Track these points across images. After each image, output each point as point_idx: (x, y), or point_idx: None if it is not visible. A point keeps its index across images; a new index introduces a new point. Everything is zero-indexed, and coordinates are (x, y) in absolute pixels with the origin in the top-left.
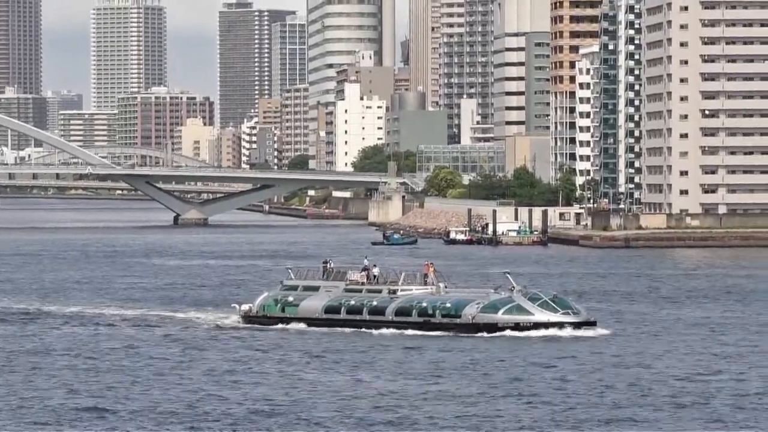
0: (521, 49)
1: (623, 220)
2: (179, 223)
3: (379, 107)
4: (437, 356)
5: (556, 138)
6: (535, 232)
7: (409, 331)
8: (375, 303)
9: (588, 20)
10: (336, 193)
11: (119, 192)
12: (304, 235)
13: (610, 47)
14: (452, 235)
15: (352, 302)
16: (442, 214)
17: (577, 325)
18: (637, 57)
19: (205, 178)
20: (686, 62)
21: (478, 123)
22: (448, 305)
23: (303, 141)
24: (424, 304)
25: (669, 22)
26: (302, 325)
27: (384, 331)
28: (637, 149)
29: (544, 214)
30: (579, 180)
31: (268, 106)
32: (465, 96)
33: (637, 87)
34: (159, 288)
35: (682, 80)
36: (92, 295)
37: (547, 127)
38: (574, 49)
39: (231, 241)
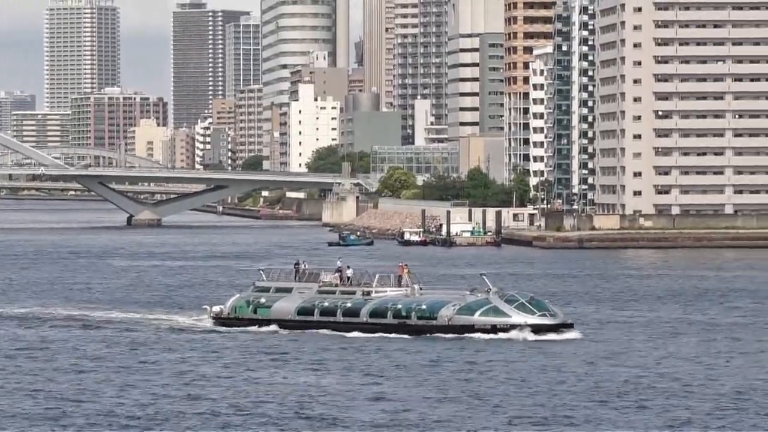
0: (475, 50)
1: (577, 221)
2: (132, 224)
3: (333, 108)
4: (388, 357)
5: (509, 139)
6: (489, 233)
7: (384, 333)
8: (349, 304)
9: (542, 21)
10: (290, 194)
11: (72, 193)
12: (258, 236)
13: (564, 48)
14: (406, 236)
15: (326, 304)
16: (396, 215)
17: (554, 328)
18: (590, 58)
19: (159, 179)
20: (639, 63)
21: (432, 124)
22: (424, 307)
23: (257, 142)
24: (399, 306)
25: (622, 23)
26: (275, 327)
27: (358, 333)
28: (590, 150)
29: (498, 215)
30: (533, 181)
31: (222, 106)
32: (419, 97)
33: (590, 88)
34: (116, 289)
35: (635, 81)
36: (42, 296)
37: (501, 128)
38: (528, 50)
39: (185, 241)
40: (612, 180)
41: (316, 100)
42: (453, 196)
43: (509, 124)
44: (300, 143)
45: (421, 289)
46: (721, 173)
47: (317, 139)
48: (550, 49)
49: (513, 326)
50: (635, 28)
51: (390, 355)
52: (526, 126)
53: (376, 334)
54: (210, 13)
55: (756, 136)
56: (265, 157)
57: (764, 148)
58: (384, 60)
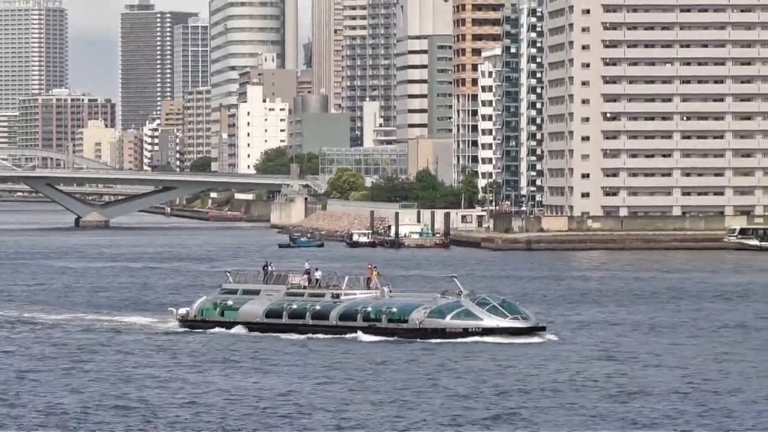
0: (424, 51)
1: (525, 223)
2: (80, 225)
3: (281, 109)
4: (335, 359)
5: (458, 141)
6: (438, 235)
7: (354, 336)
8: (318, 307)
9: (490, 23)
10: (238, 196)
11: (20, 194)
12: (207, 238)
13: (512, 50)
14: (355, 238)
15: (294, 306)
16: (345, 217)
17: (527, 331)
18: (539, 60)
19: (107, 180)
20: (588, 65)
21: (380, 125)
22: (395, 310)
23: (205, 143)
24: (369, 309)
25: (571, 26)
26: (242, 330)
27: (327, 336)
28: (539, 152)
29: (447, 216)
30: (481, 182)
31: (170, 108)
32: (368, 98)
33: (539, 90)
34: (63, 291)
35: (583, 83)
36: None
37: (450, 130)
38: (477, 52)
39: (133, 243)
40: (560, 182)
41: (264, 101)
42: (401, 198)
43: (458, 125)
44: (248, 145)
45: (390, 291)
46: (669, 175)
47: (266, 141)
48: (498, 51)
49: (485, 329)
50: (583, 30)
51: (334, 357)
52: (474, 128)
53: (347, 336)
54: (158, 15)
55: (704, 138)
56: (214, 158)
57: (712, 150)
58: (333, 61)
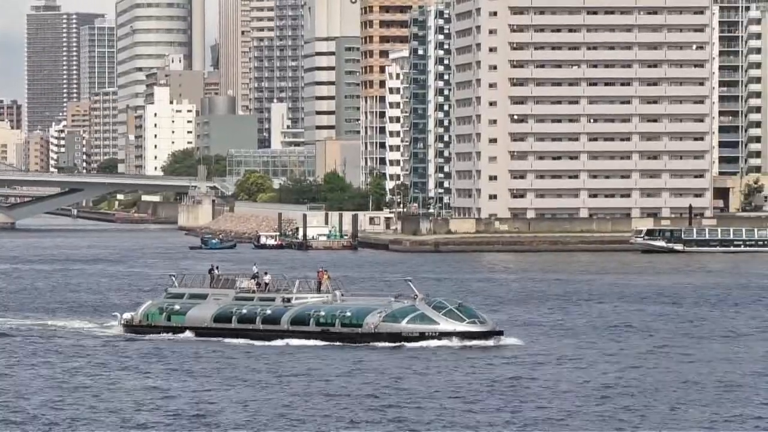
0: (331, 53)
1: (433, 225)
2: None
3: (189, 111)
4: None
5: (366, 142)
6: (345, 237)
7: (310, 342)
8: (269, 312)
9: (398, 25)
10: (145, 197)
11: None
12: (115, 240)
13: (420, 52)
14: (262, 240)
15: (244, 311)
16: (253, 219)
17: (484, 335)
18: (446, 62)
19: (13, 182)
20: (495, 67)
21: (288, 127)
22: (349, 314)
23: (112, 145)
24: (323, 313)
25: (478, 28)
26: (190, 335)
27: (279, 342)
28: (446, 154)
29: (355, 218)
30: (389, 184)
31: (76, 109)
32: (275, 100)
33: (446, 92)
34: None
35: (490, 85)
36: None
37: (358, 132)
38: (384, 54)
39: (38, 245)
40: (468, 184)
41: (171, 103)
42: (309, 200)
43: (365, 127)
44: (156, 146)
45: (342, 295)
46: (577, 177)
47: (173, 143)
48: (406, 53)
49: (442, 334)
50: (491, 32)
51: (260, 362)
52: (382, 130)
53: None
54: (64, 16)
55: (611, 140)
56: (121, 160)
57: (619, 153)
58: (240, 63)
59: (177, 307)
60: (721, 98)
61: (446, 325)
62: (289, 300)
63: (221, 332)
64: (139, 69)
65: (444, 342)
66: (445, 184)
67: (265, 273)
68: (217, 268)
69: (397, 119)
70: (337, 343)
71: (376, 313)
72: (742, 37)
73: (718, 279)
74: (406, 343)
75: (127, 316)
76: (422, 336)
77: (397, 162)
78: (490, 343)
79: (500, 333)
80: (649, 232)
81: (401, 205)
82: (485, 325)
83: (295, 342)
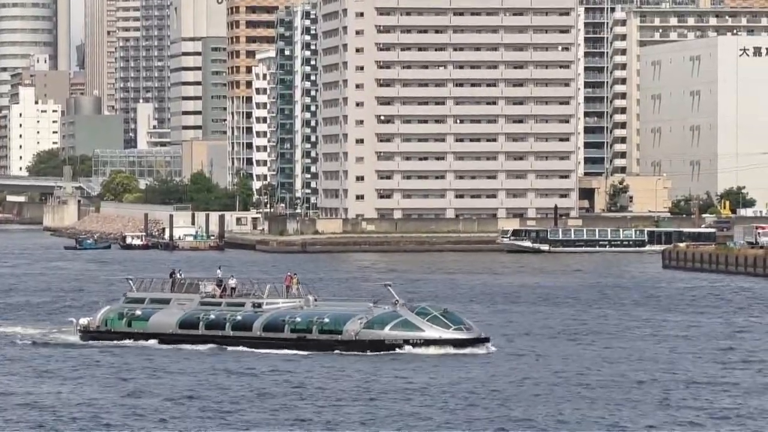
0: (198, 53)
1: (300, 225)
2: None
3: (54, 111)
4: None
5: (233, 143)
6: (212, 237)
7: (283, 351)
8: (239, 317)
9: (265, 26)
10: (10, 198)
11: None
12: None
13: (287, 53)
14: (128, 240)
15: (212, 317)
16: (119, 219)
17: (471, 342)
18: (313, 63)
19: None
20: (362, 68)
21: (154, 127)
22: (327, 320)
23: None
24: (299, 319)
25: (345, 28)
26: (153, 342)
27: (251, 349)
28: (313, 154)
29: (221, 218)
30: (256, 185)
31: None
32: (141, 100)
33: (313, 92)
34: None
35: (357, 86)
36: None
37: (224, 132)
38: (251, 54)
39: None
40: (335, 184)
41: (37, 103)
42: (176, 200)
43: (232, 128)
44: (21, 146)
45: (315, 300)
46: (443, 177)
47: (38, 143)
48: (272, 54)
49: (427, 341)
50: (357, 33)
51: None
52: (249, 130)
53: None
54: None
55: (477, 141)
56: None
57: (485, 153)
58: (106, 63)
59: (138, 312)
60: (587, 99)
61: (431, 332)
62: (260, 305)
63: (188, 339)
64: (4, 69)
65: (431, 350)
66: (312, 185)
67: (231, 277)
68: (179, 271)
69: (264, 120)
70: (315, 352)
71: (356, 319)
72: (607, 38)
73: (578, 279)
74: (389, 351)
75: (83, 321)
76: (406, 343)
77: (264, 162)
78: (479, 350)
79: (486, 340)
80: (515, 233)
81: (268, 206)
82: (471, 332)
83: (266, 351)
